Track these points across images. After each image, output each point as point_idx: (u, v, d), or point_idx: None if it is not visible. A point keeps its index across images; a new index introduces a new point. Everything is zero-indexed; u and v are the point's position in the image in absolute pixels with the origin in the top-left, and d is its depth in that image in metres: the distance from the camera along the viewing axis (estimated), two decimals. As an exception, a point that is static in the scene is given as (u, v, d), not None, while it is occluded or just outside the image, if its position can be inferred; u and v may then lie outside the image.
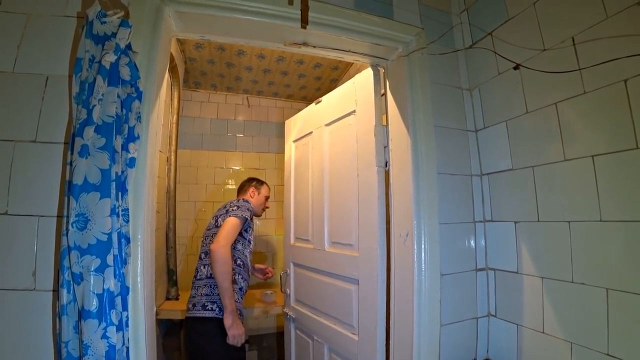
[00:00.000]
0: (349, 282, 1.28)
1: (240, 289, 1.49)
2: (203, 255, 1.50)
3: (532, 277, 1.00)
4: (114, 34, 0.70)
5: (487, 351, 1.14)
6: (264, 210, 1.77)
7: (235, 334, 1.33)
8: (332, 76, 2.44)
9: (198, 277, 1.48)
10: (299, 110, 2.81)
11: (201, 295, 1.41)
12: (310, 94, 2.74)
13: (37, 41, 0.82)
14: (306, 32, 1.01)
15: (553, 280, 0.95)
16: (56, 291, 0.72)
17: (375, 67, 1.25)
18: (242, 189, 1.75)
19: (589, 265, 0.86)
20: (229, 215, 1.44)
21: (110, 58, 0.67)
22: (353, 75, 1.40)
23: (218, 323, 1.34)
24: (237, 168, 2.73)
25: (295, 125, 1.81)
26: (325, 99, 1.54)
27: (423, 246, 1.03)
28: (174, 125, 2.06)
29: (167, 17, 0.92)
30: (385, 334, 1.15)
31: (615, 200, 0.81)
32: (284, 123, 2.03)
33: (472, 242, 1.14)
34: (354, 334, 1.26)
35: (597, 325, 0.83)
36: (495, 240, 1.13)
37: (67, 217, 0.62)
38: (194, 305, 1.41)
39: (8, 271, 0.74)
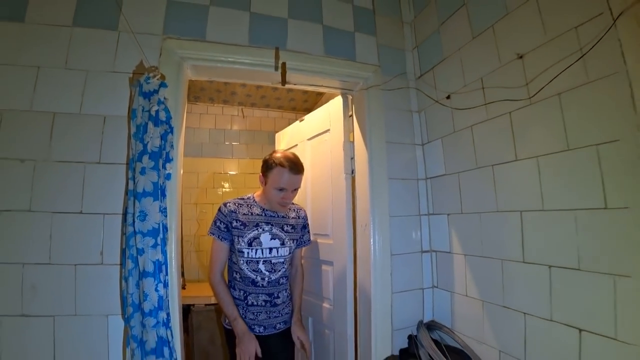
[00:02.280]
0: (327, 264, 1.69)
1: (248, 303, 1.41)
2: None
3: (459, 255, 1.41)
4: (156, 91, 1.09)
5: (433, 315, 1.55)
6: (283, 205, 1.43)
7: (239, 350, 1.33)
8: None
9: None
10: (289, 119, 3.23)
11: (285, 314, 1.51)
12: (299, 105, 3.14)
13: (95, 90, 1.21)
14: (287, 76, 1.42)
15: (471, 256, 1.35)
16: (119, 265, 1.12)
17: (344, 95, 1.66)
18: None
19: (490, 244, 1.27)
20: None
21: (155, 108, 1.07)
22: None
23: (226, 333, 1.48)
24: (233, 173, 3.12)
25: (284, 138, 2.22)
26: (307, 117, 1.95)
27: (377, 234, 1.44)
28: (183, 132, 2.45)
29: (186, 68, 1.32)
30: (353, 303, 1.55)
31: (505, 197, 1.21)
32: (275, 132, 2.43)
33: (418, 230, 1.55)
34: (330, 305, 1.66)
35: (497, 286, 1.23)
36: (436, 228, 1.54)
37: (133, 213, 1.02)
38: (285, 322, 1.52)
39: (84, 252, 1.13)
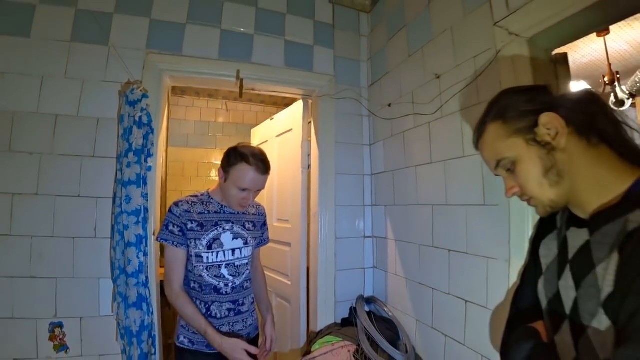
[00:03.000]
0: (286, 246, 2.04)
1: (210, 315, 1.27)
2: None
3: (391, 240, 1.75)
4: (139, 100, 1.41)
5: (373, 291, 1.91)
6: (242, 206, 1.31)
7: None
8: (297, 87, 3.16)
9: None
10: (270, 113, 3.52)
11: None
12: (279, 100, 3.45)
13: (90, 96, 1.53)
14: (251, 84, 1.73)
15: (399, 241, 1.70)
16: (109, 238, 1.46)
17: (305, 100, 1.98)
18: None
19: (412, 231, 1.60)
20: None
21: (139, 114, 1.39)
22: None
23: (178, 355, 1.31)
24: (217, 162, 3.44)
25: (258, 133, 2.54)
26: (276, 117, 2.27)
27: (324, 221, 1.78)
28: (165, 129, 2.76)
29: (166, 78, 1.63)
30: (306, 279, 1.90)
31: (423, 193, 1.54)
32: (257, 125, 2.74)
33: (362, 219, 1.89)
34: (289, 281, 2.02)
35: (416, 266, 1.57)
36: (377, 217, 1.88)
37: (120, 197, 1.35)
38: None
39: (81, 227, 1.47)
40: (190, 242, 1.25)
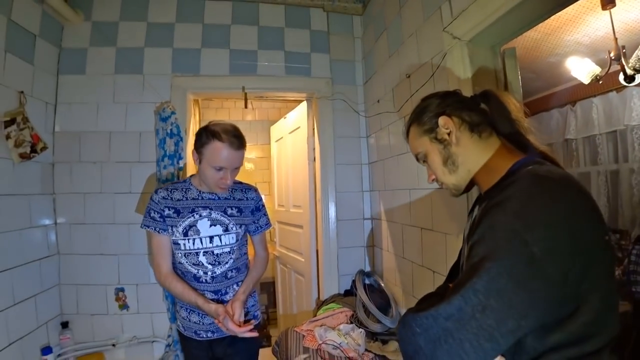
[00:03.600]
0: (299, 228, 2.41)
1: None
2: None
3: (384, 221, 2.03)
4: (169, 116, 1.84)
5: (373, 266, 2.20)
6: (222, 187, 1.26)
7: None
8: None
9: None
10: (292, 108, 3.86)
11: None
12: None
13: (132, 115, 1.99)
14: (258, 93, 2.09)
15: (389, 222, 1.97)
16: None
17: (308, 101, 2.29)
18: None
19: (396, 213, 1.87)
20: None
21: (169, 127, 1.81)
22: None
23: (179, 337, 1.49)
24: (249, 157, 3.88)
25: (275, 131, 2.91)
26: (288, 116, 2.62)
27: (327, 205, 2.11)
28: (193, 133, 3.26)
29: (189, 94, 2.05)
30: (316, 255, 2.25)
31: (403, 178, 1.80)
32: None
33: (361, 202, 2.20)
34: (302, 258, 2.38)
35: (400, 244, 1.85)
36: (374, 201, 2.16)
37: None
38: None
39: (133, 216, 1.95)
40: (168, 229, 1.27)
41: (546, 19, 1.21)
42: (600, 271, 0.57)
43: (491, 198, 0.66)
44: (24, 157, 1.70)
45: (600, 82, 2.36)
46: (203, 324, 1.36)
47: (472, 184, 0.83)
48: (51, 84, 1.95)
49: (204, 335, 1.37)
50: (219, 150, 1.18)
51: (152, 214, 1.28)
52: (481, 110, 0.81)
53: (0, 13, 1.59)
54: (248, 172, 3.83)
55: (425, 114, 0.84)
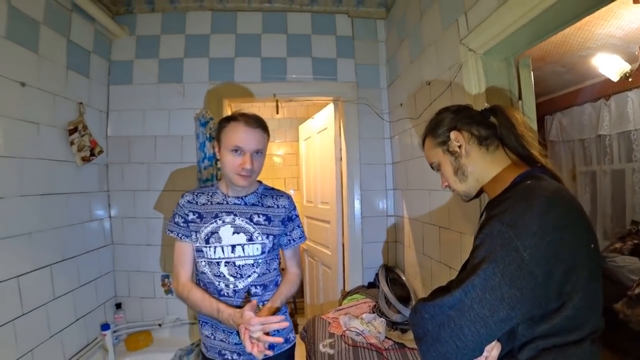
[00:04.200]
0: (327, 223, 2.61)
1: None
2: None
3: (406, 218, 2.19)
4: (208, 122, 2.07)
5: (395, 261, 2.37)
6: (243, 177, 1.15)
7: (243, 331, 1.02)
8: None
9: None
10: (320, 106, 4.03)
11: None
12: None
13: (175, 120, 2.25)
14: (288, 97, 2.28)
15: (411, 219, 2.12)
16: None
17: (335, 103, 2.46)
18: None
19: (418, 211, 2.02)
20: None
21: (209, 132, 2.05)
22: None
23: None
24: (275, 154, 4.12)
25: (304, 130, 3.12)
26: (316, 116, 2.82)
27: (353, 202, 2.29)
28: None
29: (224, 100, 2.28)
30: (342, 249, 2.45)
31: (424, 179, 1.94)
32: (307, 118, 3.31)
33: (384, 200, 2.36)
34: (329, 251, 2.59)
35: (421, 241, 2.01)
36: (397, 199, 2.32)
37: (198, 191, 2.05)
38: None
39: (176, 212, 2.22)
40: (192, 235, 1.21)
41: (559, 32, 1.31)
42: (582, 275, 0.67)
43: (492, 208, 0.78)
44: (85, 160, 1.99)
45: (630, 80, 2.38)
46: (229, 342, 1.22)
47: (481, 191, 0.93)
48: (103, 94, 2.24)
49: (230, 357, 1.23)
50: (234, 128, 1.13)
51: (177, 219, 1.23)
52: (490, 124, 0.91)
53: (62, 35, 1.87)
54: (276, 167, 4.07)
55: (439, 128, 0.95)
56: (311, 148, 2.98)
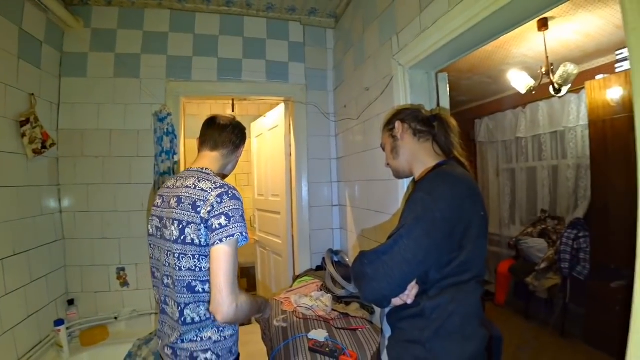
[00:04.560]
0: (277, 214, 2.85)
1: None
2: (168, 282, 1.13)
3: (348, 207, 2.50)
4: (166, 117, 2.21)
5: (340, 245, 2.68)
6: None
7: (268, 313, 1.37)
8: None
9: (169, 313, 1.15)
10: (271, 105, 4.24)
11: (182, 341, 1.10)
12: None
13: (131, 115, 2.35)
14: (243, 97, 2.48)
15: (352, 207, 2.44)
16: (151, 210, 2.31)
17: (286, 103, 2.71)
18: (222, 141, 1.27)
19: (358, 200, 2.34)
20: (220, 239, 1.03)
21: (166, 127, 2.19)
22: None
23: None
24: (227, 151, 4.25)
25: (255, 127, 3.32)
26: (268, 115, 3.03)
27: (302, 193, 2.56)
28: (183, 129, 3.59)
29: (181, 98, 2.42)
30: (291, 237, 2.70)
31: (362, 172, 2.26)
32: (259, 115, 3.50)
33: (330, 191, 2.66)
34: (280, 241, 2.83)
35: (361, 224, 2.32)
36: (341, 190, 2.63)
37: (159, 183, 2.17)
38: (174, 353, 1.12)
39: (133, 204, 2.34)
40: None
41: (469, 54, 1.67)
42: (474, 233, 0.91)
43: (418, 184, 1.01)
44: (36, 152, 2.03)
45: (534, 93, 2.91)
46: (234, 334, 1.22)
47: (410, 174, 1.17)
48: (55, 85, 2.27)
49: (236, 350, 1.23)
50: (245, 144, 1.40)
51: (244, 216, 1.12)
52: (429, 123, 1.15)
53: (14, 24, 1.90)
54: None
55: (392, 118, 1.20)
56: (263, 144, 3.19)
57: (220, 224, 1.04)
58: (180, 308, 1.10)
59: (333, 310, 2.08)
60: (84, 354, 2.15)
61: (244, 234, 1.07)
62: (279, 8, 2.53)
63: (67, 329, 2.13)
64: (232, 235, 1.04)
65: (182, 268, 1.09)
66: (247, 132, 1.42)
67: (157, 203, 1.24)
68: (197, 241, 1.07)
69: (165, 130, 2.22)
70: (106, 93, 2.33)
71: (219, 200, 1.06)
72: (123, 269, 2.36)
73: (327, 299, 2.14)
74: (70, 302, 2.27)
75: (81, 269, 2.32)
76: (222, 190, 1.09)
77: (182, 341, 1.11)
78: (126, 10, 2.38)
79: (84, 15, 2.33)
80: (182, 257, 1.08)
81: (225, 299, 1.00)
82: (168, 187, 1.23)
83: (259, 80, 2.53)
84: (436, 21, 1.46)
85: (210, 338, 1.12)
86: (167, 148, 2.21)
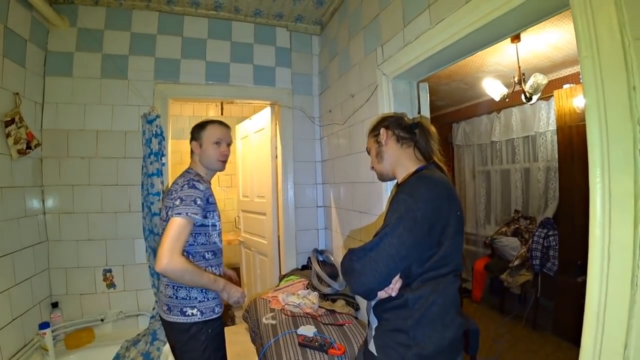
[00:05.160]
0: (262, 215, 2.95)
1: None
2: None
3: (333, 208, 2.64)
4: (154, 119, 2.28)
5: (325, 245, 2.81)
6: (223, 162, 1.63)
7: (234, 300, 1.53)
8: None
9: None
10: (254, 107, 4.33)
11: (176, 297, 1.47)
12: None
13: (119, 116, 2.40)
14: (230, 99, 2.57)
15: (337, 208, 2.57)
16: (140, 211, 2.37)
17: (272, 106, 2.82)
18: (190, 141, 1.66)
19: (342, 201, 2.47)
20: (171, 214, 1.38)
21: (154, 129, 2.26)
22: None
23: (198, 329, 1.47)
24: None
25: (241, 129, 3.40)
26: (254, 117, 3.13)
27: (287, 195, 2.67)
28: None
29: (169, 99, 2.49)
30: (277, 238, 2.81)
31: (347, 174, 2.40)
32: (243, 117, 3.59)
33: (315, 193, 2.79)
34: (265, 241, 2.93)
35: (346, 225, 2.46)
36: (325, 192, 2.77)
37: (147, 184, 2.24)
38: (169, 308, 1.48)
39: (120, 205, 2.38)
40: (209, 214, 1.50)
41: (448, 67, 1.84)
42: (451, 230, 1.02)
43: (400, 187, 1.12)
44: (21, 153, 2.05)
45: (507, 100, 3.14)
46: (216, 297, 1.55)
47: (393, 177, 1.27)
48: (39, 85, 2.29)
49: (219, 310, 1.56)
50: (214, 128, 1.61)
51: (199, 202, 1.42)
52: (411, 131, 1.24)
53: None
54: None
55: (377, 125, 1.30)
56: (248, 146, 3.29)
57: (174, 204, 1.39)
58: None
59: (320, 307, 2.21)
60: (70, 356, 2.18)
61: (189, 214, 1.37)
62: (266, 14, 2.64)
63: (52, 332, 2.13)
64: (179, 213, 1.36)
65: None
66: (231, 133, 1.68)
67: None
68: None
69: (154, 132, 2.28)
70: (93, 93, 2.37)
71: (181, 188, 1.44)
72: (110, 271, 2.40)
73: (313, 296, 2.27)
74: (55, 305, 2.29)
75: (65, 271, 2.34)
76: (186, 182, 1.46)
77: (176, 298, 1.48)
78: (113, 10, 2.43)
79: (69, 14, 2.35)
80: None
81: (160, 253, 1.31)
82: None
83: (246, 83, 2.63)
84: (418, 37, 1.62)
85: (196, 298, 1.49)
86: (155, 150, 2.27)
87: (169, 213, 1.40)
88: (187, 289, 1.47)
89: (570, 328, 2.86)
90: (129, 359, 2.16)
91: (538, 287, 3.42)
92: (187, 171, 1.59)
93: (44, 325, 2.07)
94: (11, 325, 1.91)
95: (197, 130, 1.63)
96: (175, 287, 1.48)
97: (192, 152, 1.65)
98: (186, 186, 1.44)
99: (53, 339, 2.13)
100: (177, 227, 1.34)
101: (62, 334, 2.27)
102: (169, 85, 2.47)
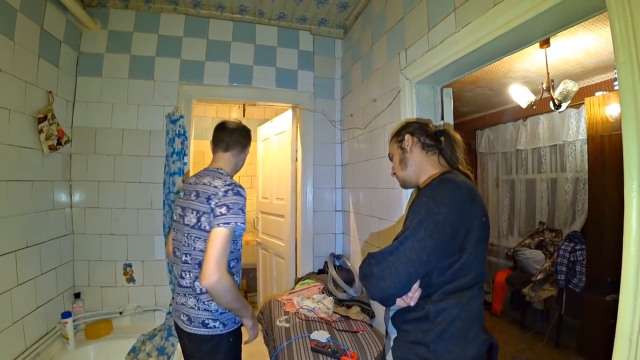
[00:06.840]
0: (281, 217, 2.95)
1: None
2: (186, 258, 1.40)
3: (352, 213, 2.60)
4: (178, 119, 2.32)
5: (342, 250, 2.78)
6: None
7: (256, 333, 1.52)
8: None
9: (185, 285, 1.41)
10: (275, 109, 4.36)
11: (198, 309, 1.39)
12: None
13: (145, 116, 2.45)
14: (253, 102, 2.59)
15: (355, 213, 2.54)
16: (161, 209, 2.41)
17: (293, 109, 2.82)
18: (232, 142, 1.54)
19: (361, 206, 2.44)
20: (218, 224, 1.28)
21: (178, 129, 2.30)
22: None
23: (220, 339, 1.41)
24: (231, 152, 4.36)
25: (262, 131, 3.43)
26: (275, 120, 3.14)
27: (306, 198, 2.66)
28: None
29: (193, 100, 2.53)
30: (294, 240, 2.80)
31: (367, 179, 2.37)
32: (265, 119, 3.62)
33: (334, 197, 2.76)
34: (282, 243, 2.93)
35: (365, 230, 2.43)
36: (344, 196, 2.73)
37: (169, 183, 2.28)
38: (189, 319, 1.40)
39: (142, 202, 2.43)
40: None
41: (475, 71, 1.79)
42: (475, 236, 0.96)
43: (422, 191, 1.09)
44: (52, 148, 2.13)
45: (534, 107, 3.03)
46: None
47: (416, 184, 1.24)
48: (71, 84, 2.37)
49: (239, 320, 1.50)
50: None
51: (244, 209, 1.38)
52: (436, 138, 1.23)
53: (36, 23, 2.01)
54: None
55: (401, 131, 1.28)
56: (268, 149, 3.30)
57: (221, 212, 1.30)
58: (194, 280, 1.39)
59: (334, 312, 2.18)
60: (88, 346, 2.23)
61: (238, 223, 1.32)
62: (290, 17, 2.65)
63: (73, 321, 2.20)
64: (228, 223, 1.29)
65: (196, 248, 1.38)
66: (252, 135, 1.66)
67: (181, 195, 1.52)
68: (208, 228, 1.33)
69: (177, 132, 2.32)
70: (120, 93, 2.44)
71: (224, 194, 1.33)
72: (130, 265, 2.46)
73: (328, 301, 2.24)
74: (77, 296, 2.36)
75: (88, 263, 2.41)
76: (229, 187, 1.36)
77: (198, 309, 1.41)
78: (142, 13, 2.50)
79: (101, 17, 2.44)
80: (197, 240, 1.38)
81: (210, 268, 1.23)
82: (190, 184, 1.49)
83: (268, 86, 2.64)
84: (443, 41, 1.57)
85: (217, 310, 1.41)
86: (178, 149, 2.31)
87: (212, 220, 1.30)
88: (208, 298, 1.39)
89: (596, 348, 2.71)
90: (144, 353, 2.20)
91: (563, 303, 3.27)
92: (219, 172, 1.46)
93: (66, 315, 2.15)
94: (36, 312, 1.98)
95: (248, 137, 1.61)
96: (201, 300, 1.40)
97: (223, 151, 1.53)
98: (231, 192, 1.34)
99: (74, 329, 2.20)
100: (224, 239, 1.27)
101: (83, 324, 2.34)
102: (193, 87, 2.51)
